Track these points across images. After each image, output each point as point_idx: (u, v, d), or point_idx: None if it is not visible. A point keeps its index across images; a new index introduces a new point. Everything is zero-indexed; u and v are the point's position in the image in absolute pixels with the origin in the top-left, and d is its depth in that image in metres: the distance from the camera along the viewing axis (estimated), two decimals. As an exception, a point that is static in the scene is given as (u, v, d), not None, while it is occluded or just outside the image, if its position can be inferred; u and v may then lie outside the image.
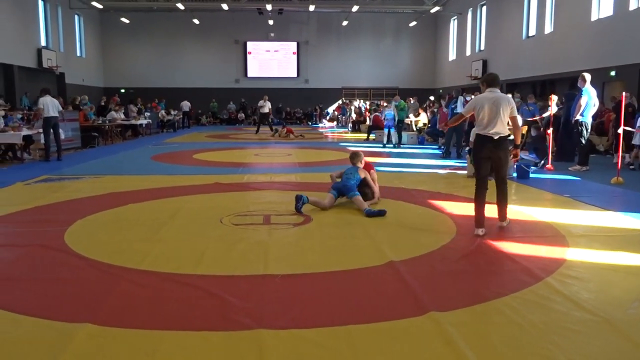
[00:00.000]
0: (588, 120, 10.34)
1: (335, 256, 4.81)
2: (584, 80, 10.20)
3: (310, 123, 32.43)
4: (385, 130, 16.46)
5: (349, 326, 3.28)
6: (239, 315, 3.45)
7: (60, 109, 12.67)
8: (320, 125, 31.07)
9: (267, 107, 21.96)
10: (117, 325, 3.29)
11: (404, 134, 17.22)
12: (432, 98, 23.52)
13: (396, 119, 16.16)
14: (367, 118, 23.08)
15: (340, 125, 29.91)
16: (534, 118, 13.25)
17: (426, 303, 3.61)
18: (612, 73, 15.99)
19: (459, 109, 12.55)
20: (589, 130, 10.49)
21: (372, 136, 19.25)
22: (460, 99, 12.79)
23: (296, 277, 4.24)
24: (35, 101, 17.64)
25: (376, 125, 19.33)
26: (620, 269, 4.39)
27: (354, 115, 25.58)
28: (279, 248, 5.04)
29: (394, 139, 16.16)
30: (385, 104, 19.25)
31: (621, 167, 9.18)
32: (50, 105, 12.07)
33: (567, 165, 10.90)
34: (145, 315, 3.48)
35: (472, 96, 12.97)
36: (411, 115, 20.00)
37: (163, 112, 25.67)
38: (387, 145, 16.04)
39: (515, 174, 9.54)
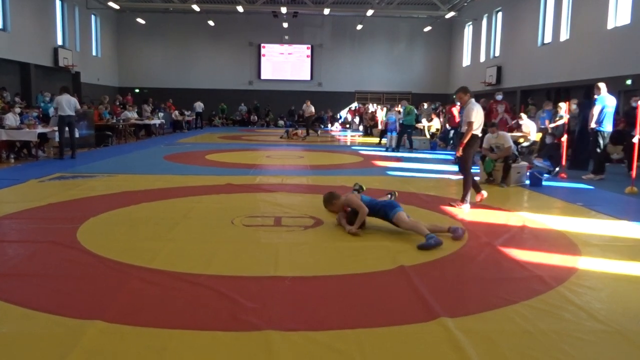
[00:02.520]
0: (606, 128, 10.25)
1: (345, 259, 4.81)
2: (598, 89, 10.20)
3: (322, 126, 32.45)
4: (389, 134, 16.69)
5: (359, 329, 3.28)
6: (248, 316, 3.46)
7: (78, 107, 12.78)
8: (333, 128, 31.08)
9: (308, 110, 22.19)
10: (127, 323, 3.32)
11: (415, 139, 17.20)
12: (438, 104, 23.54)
13: (397, 123, 16.43)
14: (379, 122, 23.07)
15: (352, 129, 29.92)
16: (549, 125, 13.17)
17: (436, 308, 3.59)
18: (628, 82, 15.84)
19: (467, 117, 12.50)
20: (606, 139, 10.39)
21: (384, 140, 19.24)
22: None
23: (306, 279, 4.24)
24: (51, 99, 17.88)
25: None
26: (633, 279, 4.34)
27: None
28: (289, 250, 5.04)
29: (394, 142, 16.35)
30: (388, 107, 19.62)
31: (635, 177, 9.09)
32: (65, 104, 12.18)
33: (580, 173, 10.81)
34: (155, 313, 3.50)
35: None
36: (424, 120, 19.96)
37: (177, 112, 25.86)
38: (399, 150, 16.08)
39: (528, 182, 9.49)
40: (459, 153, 7.21)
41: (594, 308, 3.69)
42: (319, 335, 3.19)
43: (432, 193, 8.39)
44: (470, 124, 7.04)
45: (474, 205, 7.40)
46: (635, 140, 9.21)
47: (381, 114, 23.22)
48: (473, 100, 7.25)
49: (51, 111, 16.55)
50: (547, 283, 4.17)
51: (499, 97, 15.17)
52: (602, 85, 10.29)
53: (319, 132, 23.32)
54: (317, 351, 3.01)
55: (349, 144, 20.36)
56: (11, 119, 12.34)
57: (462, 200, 7.25)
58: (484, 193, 7.51)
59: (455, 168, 11.94)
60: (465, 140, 7.12)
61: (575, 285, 4.14)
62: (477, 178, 9.93)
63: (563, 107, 12.04)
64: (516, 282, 4.24)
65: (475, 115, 7.07)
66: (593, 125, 10.22)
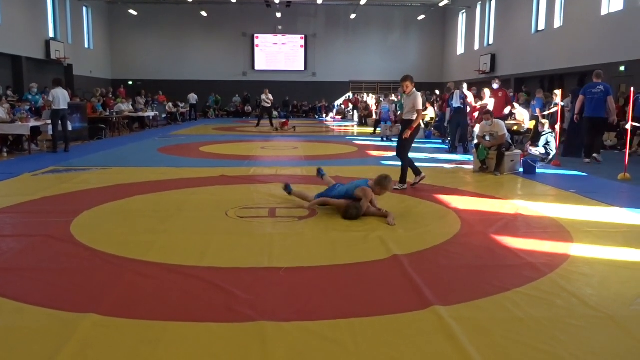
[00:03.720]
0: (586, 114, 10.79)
1: (339, 249, 4.82)
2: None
3: (317, 117, 32.41)
4: (382, 124, 16.72)
5: (352, 319, 3.29)
6: (243, 307, 3.47)
7: (68, 100, 12.72)
8: (328, 118, 31.05)
9: (266, 100, 21.43)
10: (122, 316, 3.33)
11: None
12: (437, 92, 23.44)
13: (391, 113, 16.48)
14: (374, 112, 23.07)
15: (347, 118, 29.90)
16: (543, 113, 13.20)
17: (429, 297, 3.62)
18: (622, 68, 15.86)
19: (456, 103, 12.46)
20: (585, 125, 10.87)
21: (378, 130, 19.24)
22: (457, 92, 12.63)
23: (300, 270, 4.25)
24: (43, 92, 17.74)
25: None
26: (624, 265, 4.37)
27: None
28: (283, 241, 5.05)
29: (389, 132, 16.40)
30: (381, 97, 19.61)
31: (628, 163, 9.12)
32: (60, 97, 12.12)
33: (574, 160, 10.89)
34: (150, 305, 3.50)
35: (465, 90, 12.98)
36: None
37: (170, 104, 25.78)
38: (388, 139, 16.08)
39: (521, 169, 9.52)
40: (407, 135, 7.75)
41: (586, 294, 3.72)
42: (313, 325, 3.21)
43: (427, 182, 8.38)
44: (420, 111, 7.73)
45: (469, 193, 7.44)
46: (627, 127, 9.25)
47: (372, 103, 23.30)
48: (415, 89, 7.89)
49: (40, 102, 16.38)
50: (540, 270, 4.20)
51: (496, 85, 14.97)
52: (596, 73, 10.78)
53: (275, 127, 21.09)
54: (311, 341, 3.02)
55: (343, 134, 20.33)
56: (1, 112, 12.29)
57: (402, 181, 7.90)
58: (423, 175, 8.09)
59: (449, 157, 11.97)
60: (415, 125, 7.76)
61: (567, 272, 4.17)
62: (470, 167, 10.02)
63: (558, 94, 12.09)
64: (509, 270, 4.27)
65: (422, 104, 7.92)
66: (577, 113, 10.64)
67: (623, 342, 3.06)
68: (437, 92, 24.36)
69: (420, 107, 7.73)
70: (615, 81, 16.21)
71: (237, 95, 32.91)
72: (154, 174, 9.14)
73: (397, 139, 8.43)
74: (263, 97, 21.65)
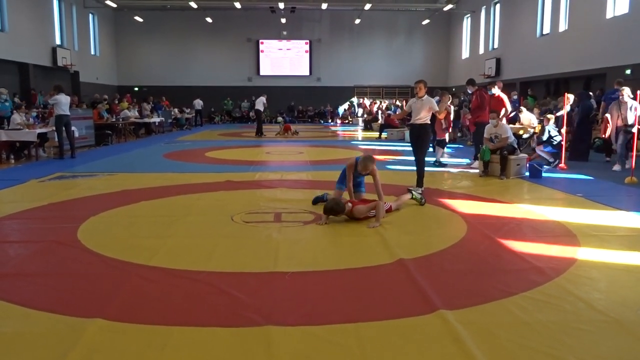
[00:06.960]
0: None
1: (345, 254, 4.83)
2: None
3: (322, 121, 32.44)
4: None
5: (358, 323, 3.29)
6: (248, 311, 3.47)
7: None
8: (332, 123, 31.07)
9: (259, 105, 20.42)
10: (128, 320, 3.34)
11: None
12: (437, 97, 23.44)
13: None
14: (379, 117, 23.09)
15: (352, 123, 29.93)
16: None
17: (435, 301, 3.61)
18: (628, 71, 15.79)
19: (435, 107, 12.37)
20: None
21: (384, 135, 19.24)
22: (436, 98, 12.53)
23: (306, 274, 4.25)
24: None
25: (388, 124, 19.40)
26: (631, 269, 4.34)
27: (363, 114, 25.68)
28: (289, 246, 5.06)
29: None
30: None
31: (635, 167, 9.08)
32: (64, 103, 12.19)
33: (580, 164, 10.85)
34: (155, 310, 3.51)
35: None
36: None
37: (176, 110, 25.87)
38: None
39: (527, 173, 9.49)
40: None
41: (593, 298, 3.71)
42: (319, 330, 3.21)
43: (433, 187, 8.37)
44: (438, 113, 8.13)
45: (474, 197, 7.43)
46: (634, 130, 9.22)
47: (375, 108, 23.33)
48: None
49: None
50: (546, 274, 4.18)
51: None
52: (617, 81, 11.47)
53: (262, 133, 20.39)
54: (317, 345, 3.02)
55: (348, 139, 20.33)
56: (17, 118, 12.42)
57: (420, 185, 7.96)
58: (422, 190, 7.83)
59: (454, 161, 11.94)
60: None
61: (574, 276, 4.15)
62: (475, 171, 10.00)
63: (571, 97, 12.08)
64: (515, 274, 4.25)
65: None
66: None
67: (630, 346, 3.05)
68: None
69: (437, 109, 8.00)
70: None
71: (245, 101, 32.93)
72: (160, 179, 9.16)
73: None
74: (263, 100, 20.43)
